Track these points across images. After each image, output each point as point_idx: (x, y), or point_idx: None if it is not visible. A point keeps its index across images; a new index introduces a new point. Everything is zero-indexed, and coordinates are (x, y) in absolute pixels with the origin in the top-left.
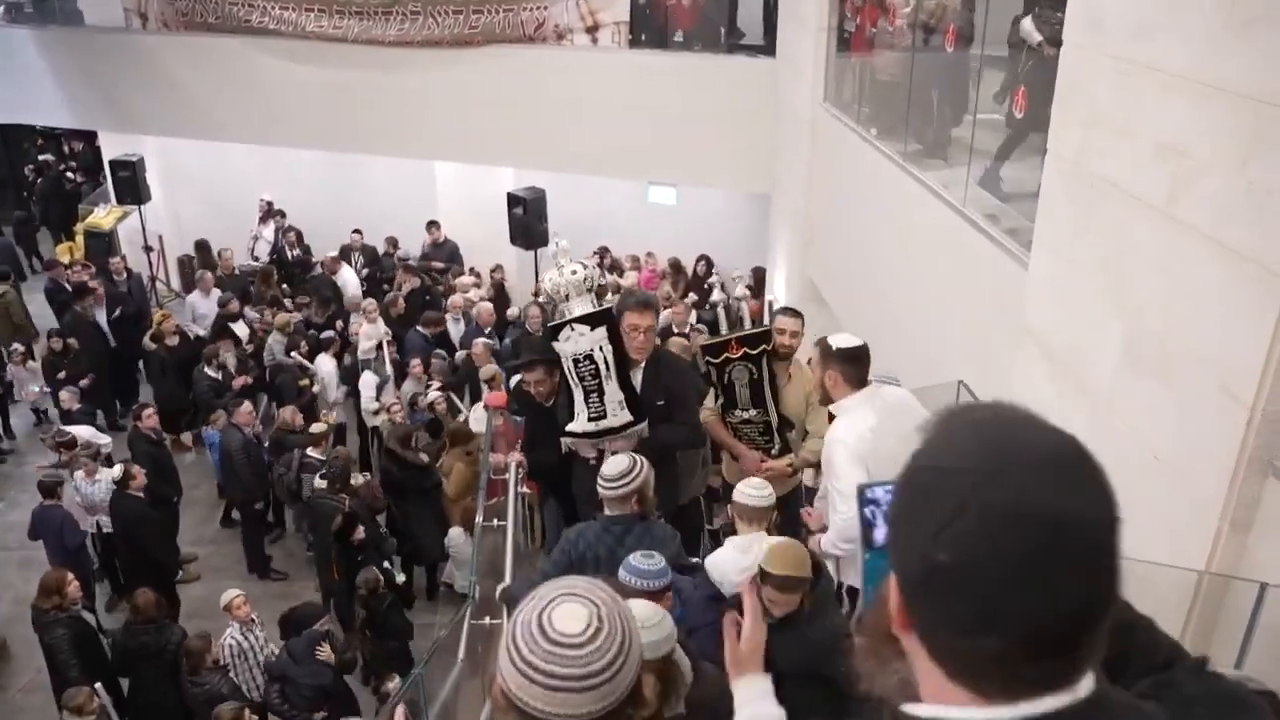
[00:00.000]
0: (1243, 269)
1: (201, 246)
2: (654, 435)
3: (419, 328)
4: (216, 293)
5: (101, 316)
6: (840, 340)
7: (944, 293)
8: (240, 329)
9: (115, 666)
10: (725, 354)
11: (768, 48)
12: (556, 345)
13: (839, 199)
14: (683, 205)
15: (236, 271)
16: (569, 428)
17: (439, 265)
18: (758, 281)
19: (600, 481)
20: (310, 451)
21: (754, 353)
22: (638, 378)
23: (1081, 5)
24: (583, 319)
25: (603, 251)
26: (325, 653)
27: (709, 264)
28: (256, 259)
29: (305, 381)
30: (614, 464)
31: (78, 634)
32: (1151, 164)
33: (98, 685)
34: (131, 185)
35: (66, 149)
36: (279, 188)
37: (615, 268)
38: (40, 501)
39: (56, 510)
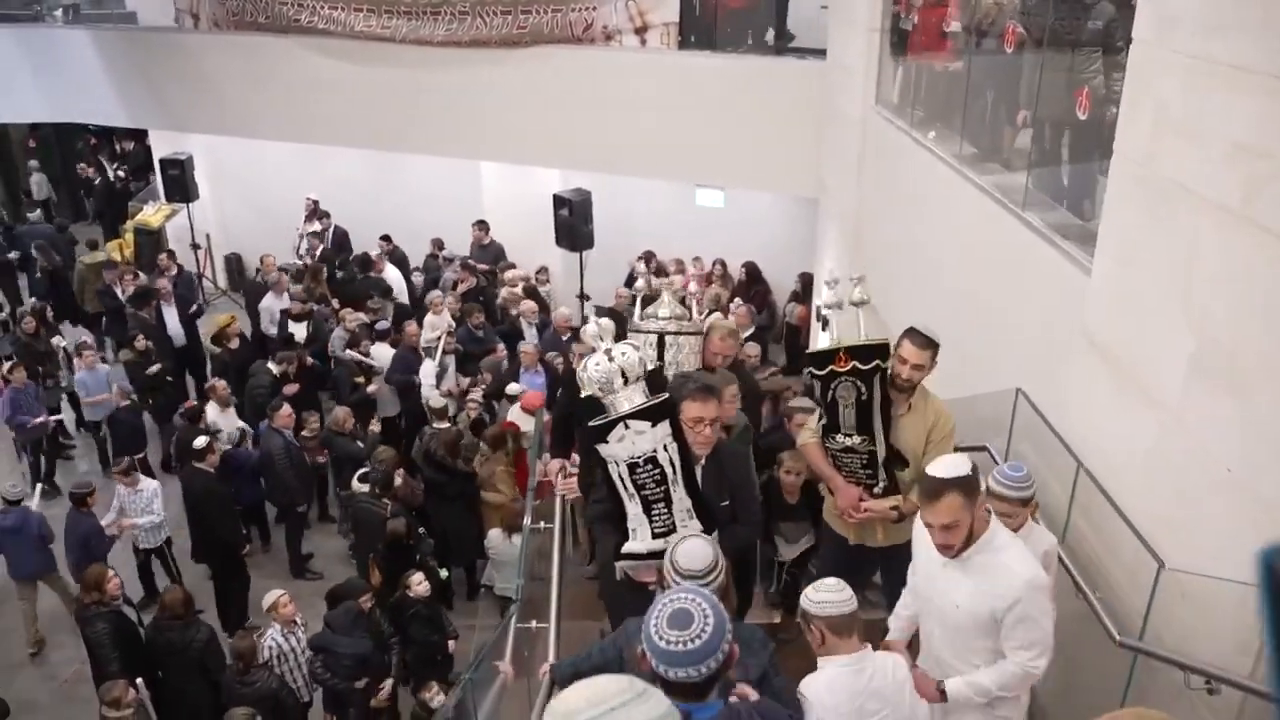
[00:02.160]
0: None
1: (231, 260)
2: (722, 540)
3: (470, 324)
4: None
5: (172, 316)
6: (964, 465)
7: (1000, 299)
8: (299, 330)
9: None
10: (831, 366)
11: (819, 50)
12: (604, 449)
13: (889, 203)
14: (730, 208)
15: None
16: (627, 548)
17: (485, 266)
18: (805, 286)
19: (674, 575)
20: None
21: (865, 368)
22: (697, 475)
23: (1151, 2)
24: (640, 413)
25: (648, 256)
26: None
27: (751, 270)
28: (302, 257)
29: (361, 379)
30: (693, 554)
31: (118, 629)
32: (1224, 165)
33: (138, 680)
34: (180, 183)
35: (118, 148)
36: (325, 187)
37: (661, 271)
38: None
39: (88, 518)
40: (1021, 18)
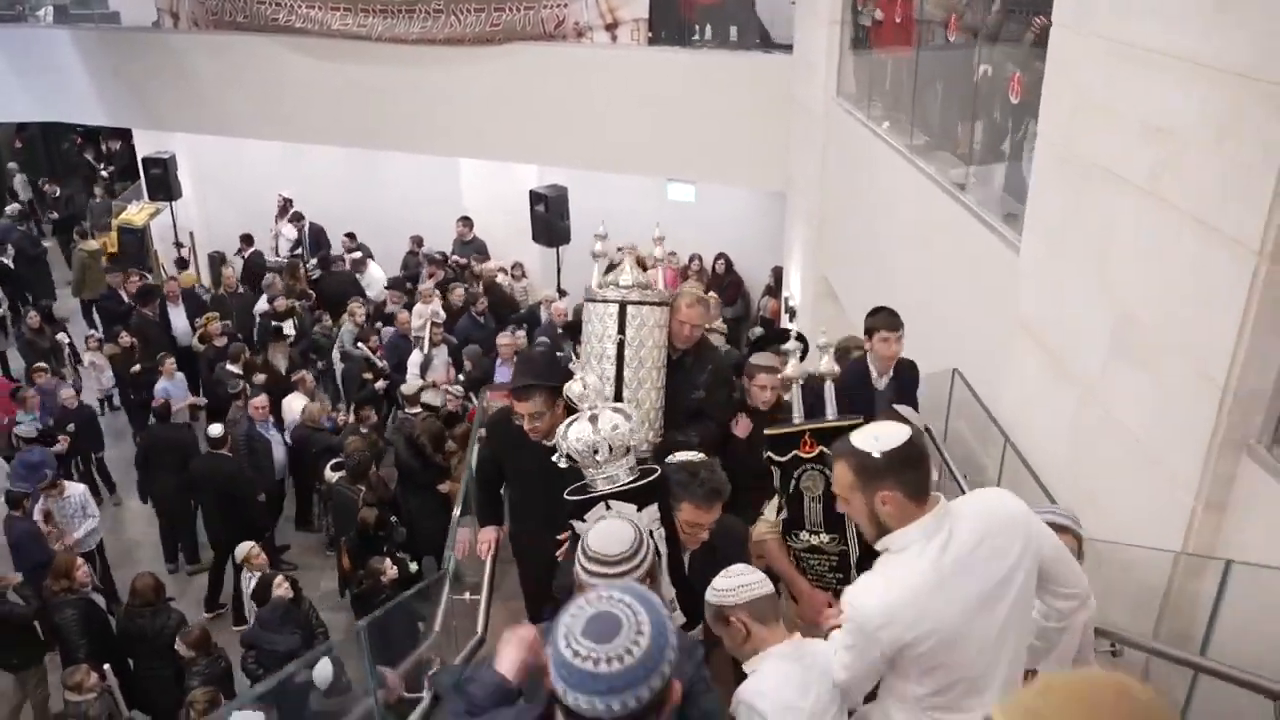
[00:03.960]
0: (1220, 247)
1: (215, 258)
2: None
3: (473, 311)
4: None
5: (179, 316)
6: (877, 439)
7: (945, 282)
8: (288, 328)
9: (116, 648)
10: (795, 451)
11: (787, 45)
12: (580, 527)
13: (850, 194)
14: (701, 203)
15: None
16: None
17: (461, 260)
18: (778, 280)
19: (586, 563)
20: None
21: None
22: (685, 563)
23: None
24: (625, 494)
25: (632, 249)
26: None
27: (728, 263)
28: (279, 257)
29: (369, 375)
30: (608, 536)
31: (86, 615)
32: (1136, 145)
33: (105, 666)
34: (163, 182)
35: (104, 148)
36: (304, 185)
37: (643, 265)
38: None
39: (21, 522)
40: (965, 9)
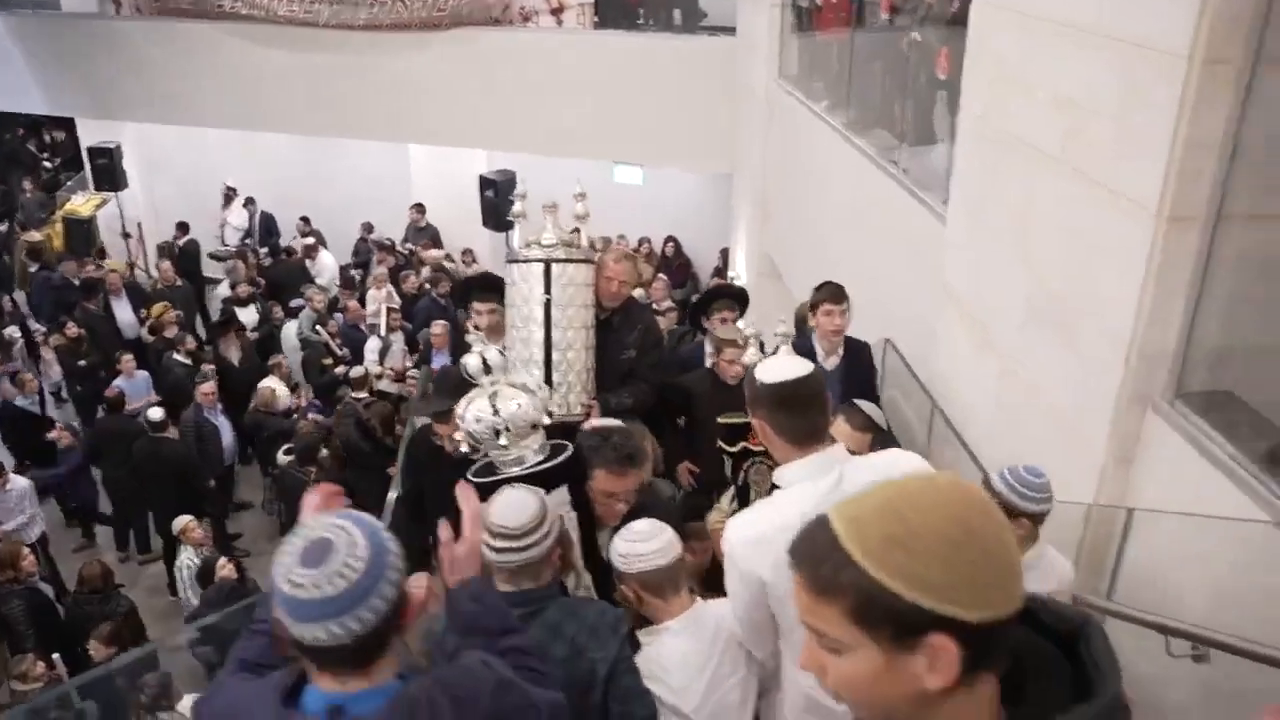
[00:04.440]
0: (1123, 211)
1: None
2: None
3: (434, 295)
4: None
5: (124, 309)
6: (771, 369)
7: (879, 255)
8: (248, 315)
9: (64, 636)
10: (744, 442)
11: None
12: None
13: (792, 174)
14: (649, 186)
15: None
16: None
17: (411, 247)
18: (726, 262)
19: (488, 539)
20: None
21: None
22: (607, 541)
23: None
24: (531, 477)
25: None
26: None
27: (677, 245)
28: (227, 245)
29: (329, 361)
30: (510, 507)
31: (33, 605)
32: (1048, 115)
33: (55, 656)
34: (109, 172)
35: (48, 138)
36: (255, 173)
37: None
38: None
39: None
40: None
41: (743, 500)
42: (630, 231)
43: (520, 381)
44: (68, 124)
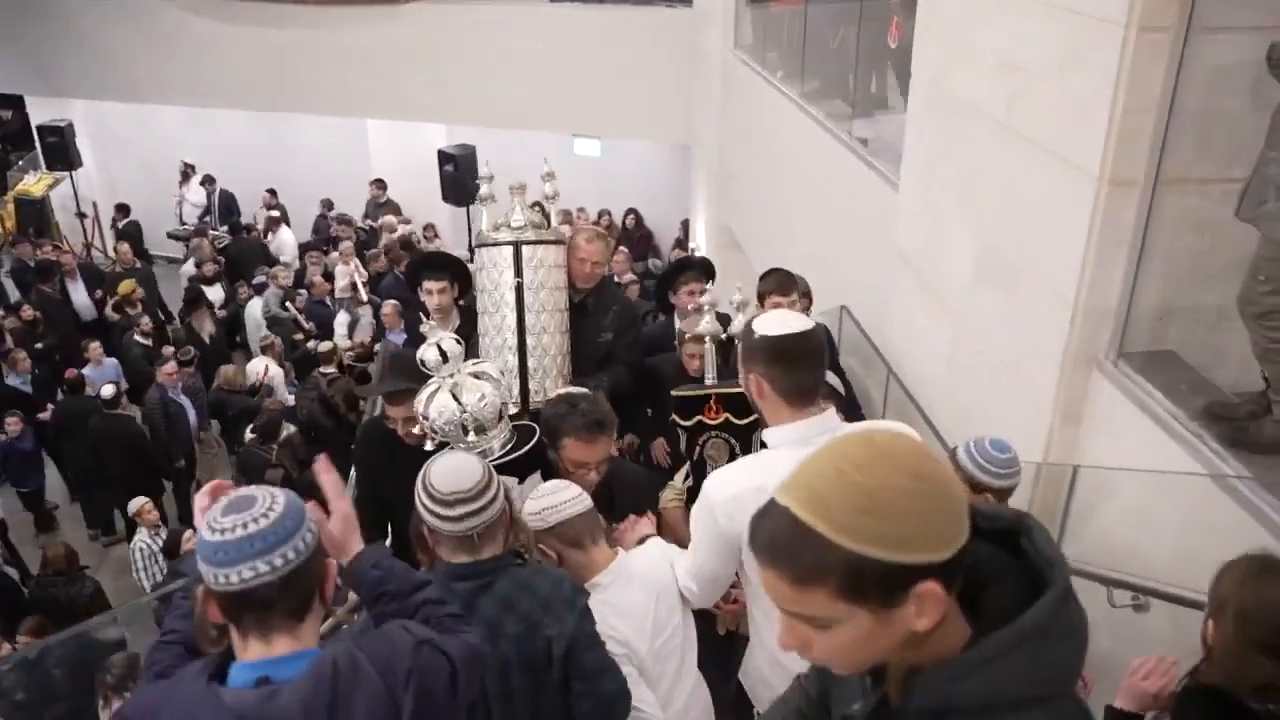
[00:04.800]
0: (1065, 174)
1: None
2: None
3: (396, 271)
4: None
5: (80, 291)
6: (771, 323)
7: (834, 222)
8: (214, 293)
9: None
10: (699, 416)
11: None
12: None
13: (749, 144)
14: (608, 158)
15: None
16: None
17: (372, 224)
18: (687, 233)
19: (429, 504)
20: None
21: (741, 423)
22: None
23: None
24: (503, 465)
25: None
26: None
27: (638, 217)
28: (185, 224)
29: (300, 336)
30: (452, 472)
31: None
32: (994, 79)
33: (20, 638)
34: (61, 151)
35: None
36: (211, 151)
37: (567, 220)
38: None
39: None
40: None
41: (699, 476)
42: (590, 204)
43: (480, 369)
44: (16, 101)
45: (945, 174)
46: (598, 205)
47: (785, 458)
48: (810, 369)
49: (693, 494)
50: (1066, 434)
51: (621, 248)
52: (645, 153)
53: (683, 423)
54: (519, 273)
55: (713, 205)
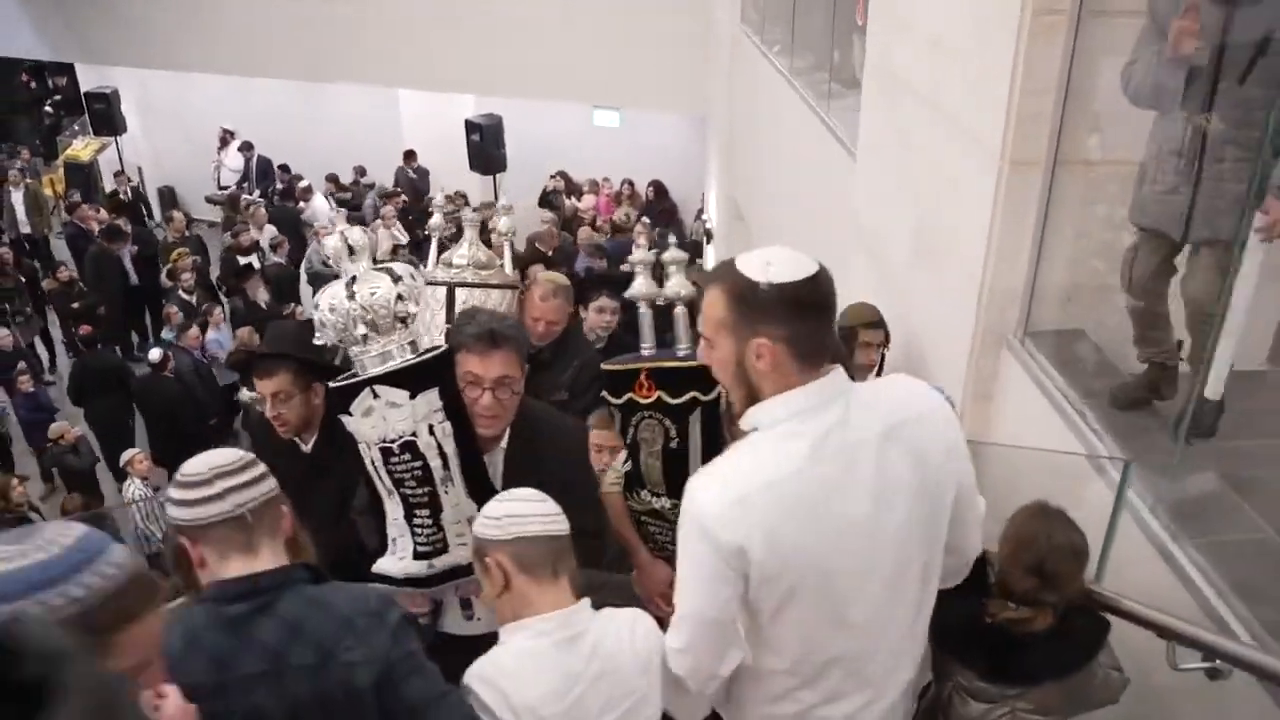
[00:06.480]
0: (975, 152)
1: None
2: None
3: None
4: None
5: (126, 255)
6: (776, 266)
7: (814, 199)
8: (255, 262)
9: None
10: (630, 394)
11: None
12: (349, 423)
13: (750, 116)
14: (628, 129)
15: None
16: (379, 567)
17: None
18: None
19: (179, 496)
20: None
21: (675, 402)
22: (497, 465)
23: None
24: (392, 377)
25: (563, 175)
26: None
27: (660, 189)
28: (224, 188)
29: None
30: (204, 456)
31: None
32: (924, 57)
33: None
34: (107, 117)
35: (50, 84)
36: (250, 119)
37: (574, 191)
38: None
39: None
40: None
41: (634, 461)
42: (613, 174)
43: (387, 266)
44: (68, 69)
45: (888, 150)
46: (620, 176)
47: (788, 436)
48: (832, 317)
49: (628, 479)
50: (978, 411)
51: (644, 219)
52: (669, 124)
53: (613, 400)
54: (450, 319)
55: (722, 177)
